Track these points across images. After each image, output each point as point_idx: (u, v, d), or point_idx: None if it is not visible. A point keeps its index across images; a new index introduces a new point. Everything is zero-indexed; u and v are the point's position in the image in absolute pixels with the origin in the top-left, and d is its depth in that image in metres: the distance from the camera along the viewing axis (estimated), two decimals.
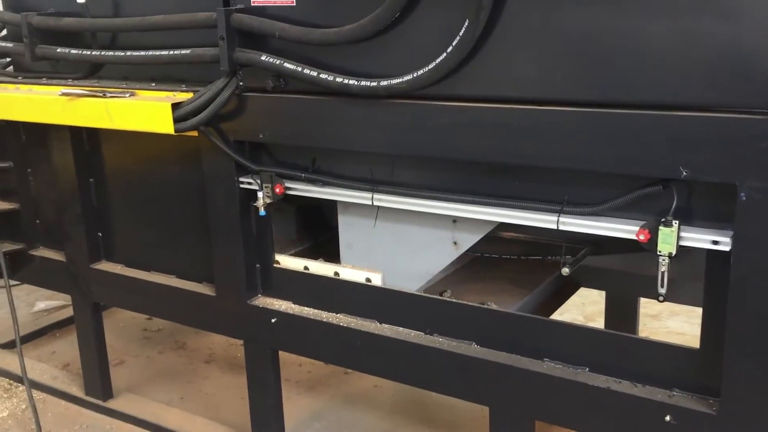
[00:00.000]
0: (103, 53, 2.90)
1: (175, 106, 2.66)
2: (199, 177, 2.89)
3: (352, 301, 2.70)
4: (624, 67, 1.89)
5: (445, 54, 2.09)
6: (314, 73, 2.34)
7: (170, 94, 2.79)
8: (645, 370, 2.13)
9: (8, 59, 3.60)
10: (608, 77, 1.92)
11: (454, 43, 2.07)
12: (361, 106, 2.33)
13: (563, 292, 3.10)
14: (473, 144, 2.17)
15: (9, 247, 3.60)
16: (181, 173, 3.02)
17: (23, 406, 3.68)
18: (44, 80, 3.24)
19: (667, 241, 1.92)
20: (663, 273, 1.95)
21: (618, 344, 2.20)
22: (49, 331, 4.59)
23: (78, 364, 3.96)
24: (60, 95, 2.91)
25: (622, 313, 3.41)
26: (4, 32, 3.51)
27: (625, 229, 2.05)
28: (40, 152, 3.44)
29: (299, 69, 2.37)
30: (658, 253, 1.95)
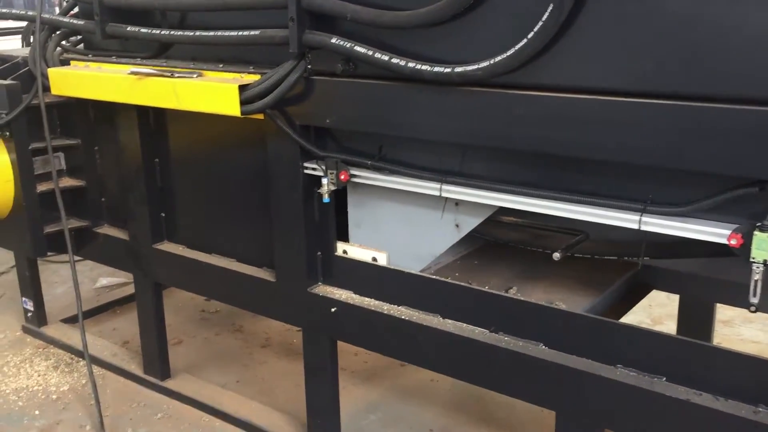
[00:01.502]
0: (171, 32, 2.87)
1: (242, 88, 2.61)
2: (263, 161, 2.85)
3: (414, 293, 2.62)
4: (729, 58, 1.74)
5: (525, 40, 1.98)
6: (385, 58, 2.25)
7: (237, 75, 2.74)
8: (728, 383, 2.00)
9: (79, 37, 3.62)
10: (709, 69, 1.78)
11: (535, 29, 1.95)
12: (432, 92, 2.24)
13: (634, 293, 2.96)
14: (552, 136, 2.05)
15: (75, 223, 3.64)
16: (245, 156, 2.98)
17: (83, 381, 3.73)
18: (114, 58, 3.24)
19: (763, 247, 1.78)
20: (756, 281, 1.81)
21: (699, 353, 2.07)
22: (110, 307, 4.66)
23: (137, 342, 4.00)
24: (128, 74, 2.91)
25: (695, 318, 3.25)
26: (76, 10, 3.53)
27: (714, 233, 1.91)
28: (108, 131, 3.45)
29: (370, 53, 2.28)
30: (752, 259, 1.81)
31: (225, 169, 3.09)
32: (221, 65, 2.86)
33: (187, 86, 2.76)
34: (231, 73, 2.77)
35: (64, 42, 3.50)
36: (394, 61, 2.24)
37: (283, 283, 2.89)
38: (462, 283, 2.56)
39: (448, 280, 2.60)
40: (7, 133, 3.37)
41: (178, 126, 3.23)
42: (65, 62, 3.40)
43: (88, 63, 3.32)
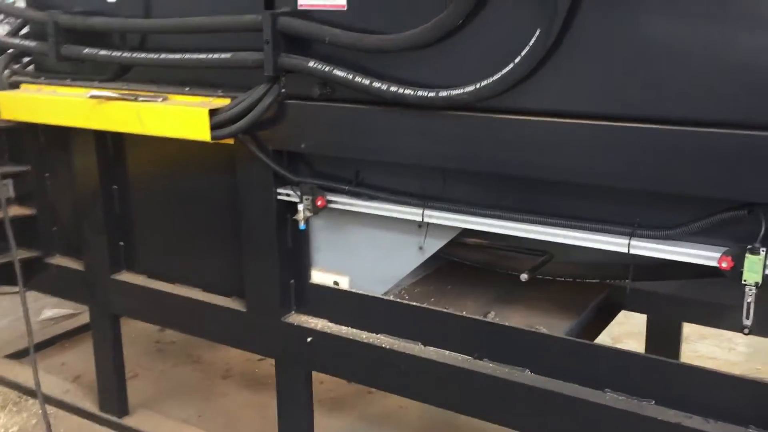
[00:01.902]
0: (134, 55, 2.77)
1: (213, 113, 2.53)
2: (230, 186, 2.77)
3: (393, 321, 2.57)
4: (715, 83, 1.77)
5: (512, 65, 1.97)
6: (366, 81, 2.21)
7: (205, 99, 2.66)
8: (718, 405, 2.00)
9: (28, 59, 3.45)
10: (695, 93, 1.80)
11: (523, 53, 1.95)
12: (414, 117, 2.21)
13: (605, 314, 2.98)
14: (539, 160, 2.04)
15: (24, 254, 3.44)
16: (212, 182, 2.89)
17: (33, 422, 3.53)
18: (68, 81, 3.11)
19: (754, 269, 1.79)
20: (749, 303, 1.83)
21: (688, 376, 2.07)
22: (58, 340, 4.43)
23: (89, 377, 3.82)
24: (89, 97, 2.78)
25: (663, 337, 3.28)
26: (26, 30, 3.38)
27: (704, 255, 1.92)
28: (60, 156, 3.30)
29: (350, 77, 2.24)
30: (744, 282, 1.82)
31: (190, 195, 2.98)
32: (187, 88, 2.77)
33: (152, 110, 2.66)
34: (198, 97, 2.68)
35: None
36: (375, 84, 2.20)
37: (255, 312, 2.80)
38: (442, 309, 2.52)
39: (427, 306, 2.56)
40: None
41: (139, 151, 3.11)
42: (14, 85, 3.24)
43: (41, 86, 3.17)
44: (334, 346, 2.63)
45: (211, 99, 2.64)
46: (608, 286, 2.89)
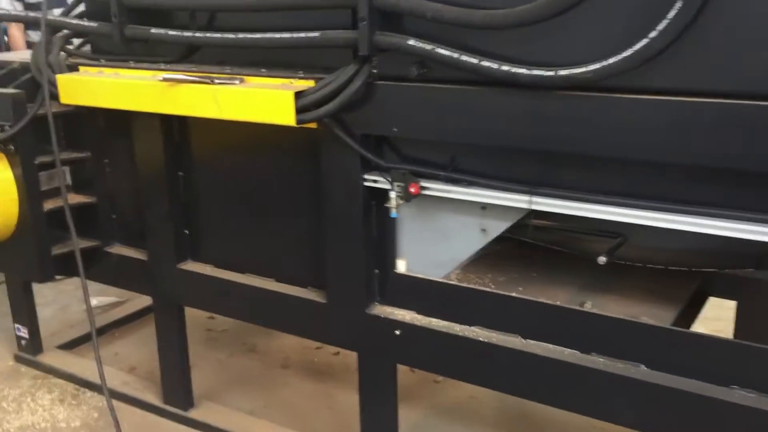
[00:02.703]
0: (209, 35, 2.62)
1: (298, 95, 2.39)
2: (308, 172, 2.64)
3: (486, 311, 2.45)
4: None
5: (647, 39, 1.82)
6: (474, 60, 2.07)
7: (285, 81, 2.51)
8: None
9: (82, 39, 3.31)
10: None
11: (660, 27, 1.80)
12: (526, 97, 2.06)
13: (697, 302, 2.85)
14: (665, 143, 1.90)
15: (83, 243, 3.33)
16: (286, 167, 2.76)
17: (95, 415, 3.44)
18: (131, 63, 2.97)
19: None
20: None
21: None
22: (107, 330, 4.33)
23: (145, 368, 3.75)
24: (161, 80, 2.64)
25: (754, 324, 3.14)
26: (79, 9, 3.24)
27: None
28: (121, 142, 3.17)
29: (455, 56, 2.09)
30: None
31: (262, 181, 2.85)
32: (263, 70, 2.62)
33: (230, 93, 2.52)
34: (277, 78, 2.54)
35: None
36: (485, 64, 2.05)
37: (337, 304, 2.68)
38: (540, 300, 2.39)
39: (525, 296, 2.43)
40: (11, 147, 3.06)
41: (205, 136, 2.98)
42: (72, 68, 3.10)
43: (102, 69, 3.03)
44: (425, 339, 2.51)
45: (292, 80, 2.50)
46: (700, 273, 2.76)
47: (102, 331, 4.31)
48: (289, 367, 3.87)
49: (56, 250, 3.25)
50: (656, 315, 2.46)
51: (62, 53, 3.17)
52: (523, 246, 3.01)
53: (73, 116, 3.21)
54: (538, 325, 2.36)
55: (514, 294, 2.45)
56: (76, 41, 3.31)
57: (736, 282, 2.82)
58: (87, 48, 3.29)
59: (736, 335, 3.27)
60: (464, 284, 2.55)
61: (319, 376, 3.74)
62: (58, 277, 3.32)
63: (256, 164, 2.85)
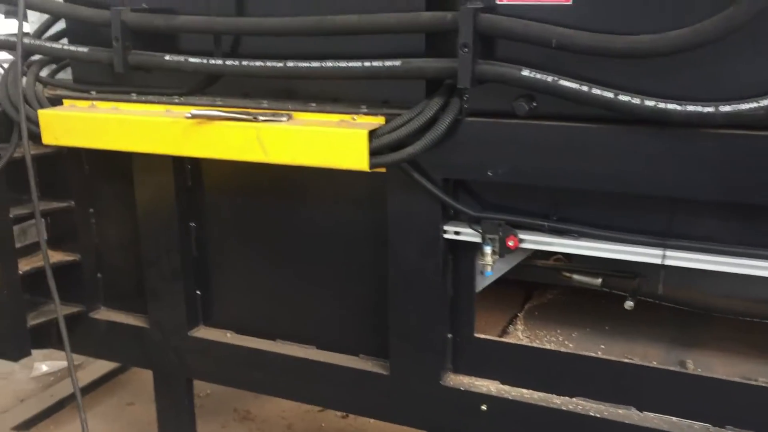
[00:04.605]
0: (248, 63, 2.19)
1: (372, 135, 2.02)
2: (365, 221, 2.29)
3: (584, 379, 2.13)
4: None
5: None
6: (609, 95, 1.76)
7: (346, 117, 2.13)
8: None
9: (55, 66, 2.79)
10: None
11: None
12: (674, 137, 1.77)
13: None
14: None
15: (65, 309, 2.78)
16: (335, 215, 2.37)
17: None
18: (134, 96, 2.50)
19: None
20: None
21: None
22: (67, 403, 3.72)
23: None
24: (188, 117, 2.19)
25: None
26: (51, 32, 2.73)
27: None
28: (111, 188, 2.68)
29: (584, 89, 1.78)
30: None
31: (297, 232, 2.44)
32: (312, 104, 2.23)
33: (279, 133, 2.11)
34: (332, 114, 2.16)
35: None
36: (623, 98, 1.75)
37: (403, 376, 2.29)
38: (652, 365, 2.10)
39: (628, 360, 2.14)
40: None
41: (224, 179, 2.54)
42: (54, 101, 2.59)
43: (93, 102, 2.54)
44: (517, 415, 2.17)
45: (354, 117, 2.12)
46: None
47: (62, 404, 3.72)
48: None
49: (32, 320, 2.69)
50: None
51: (38, 84, 2.65)
52: (568, 292, 2.75)
53: (51, 159, 2.69)
54: (649, 393, 2.06)
55: (614, 359, 2.15)
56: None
57: None
58: (63, 75, 2.77)
59: None
60: (555, 348, 2.22)
61: None
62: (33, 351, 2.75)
63: (293, 211, 2.44)
